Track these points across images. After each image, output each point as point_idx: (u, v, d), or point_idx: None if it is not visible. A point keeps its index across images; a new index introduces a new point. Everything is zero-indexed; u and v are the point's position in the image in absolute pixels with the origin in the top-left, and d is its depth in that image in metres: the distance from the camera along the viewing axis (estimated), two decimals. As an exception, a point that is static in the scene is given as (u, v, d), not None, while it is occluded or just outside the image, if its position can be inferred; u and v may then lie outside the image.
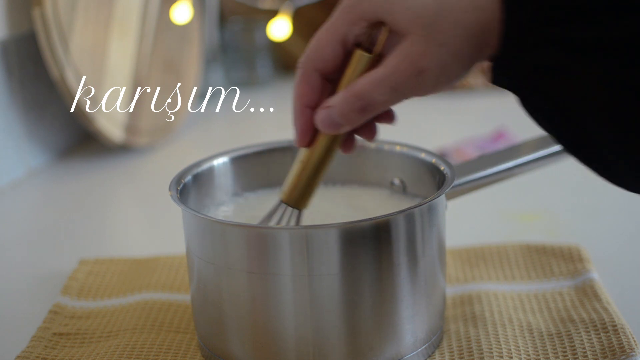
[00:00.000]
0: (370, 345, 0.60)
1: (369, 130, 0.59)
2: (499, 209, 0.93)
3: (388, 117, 0.59)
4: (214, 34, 1.42)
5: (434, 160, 0.68)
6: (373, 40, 0.55)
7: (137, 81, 1.18)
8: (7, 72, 1.04)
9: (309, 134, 0.58)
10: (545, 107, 0.50)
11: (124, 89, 1.15)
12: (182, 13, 1.25)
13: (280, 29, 1.33)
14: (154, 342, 0.67)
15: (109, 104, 1.11)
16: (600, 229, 0.88)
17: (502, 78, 0.51)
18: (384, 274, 0.59)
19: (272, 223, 0.61)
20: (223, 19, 1.51)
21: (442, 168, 0.67)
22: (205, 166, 0.70)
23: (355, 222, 0.58)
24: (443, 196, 0.63)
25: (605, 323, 0.66)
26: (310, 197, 0.60)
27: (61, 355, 0.66)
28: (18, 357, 0.66)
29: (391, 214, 0.59)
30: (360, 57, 0.55)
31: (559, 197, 0.98)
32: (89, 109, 1.07)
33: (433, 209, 0.62)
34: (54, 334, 0.70)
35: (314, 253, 0.57)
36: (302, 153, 0.59)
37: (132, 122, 1.16)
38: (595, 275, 0.74)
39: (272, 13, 1.40)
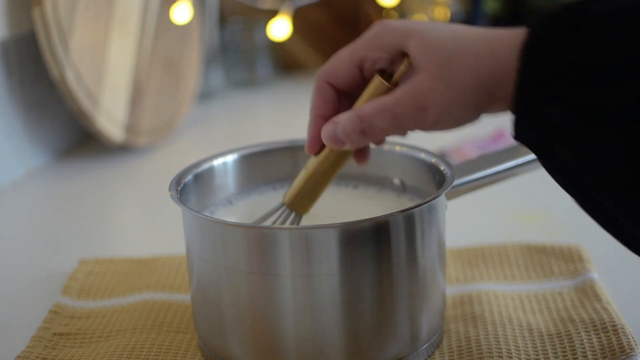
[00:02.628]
0: (371, 345, 0.60)
1: (362, 154, 0.61)
2: (499, 209, 0.93)
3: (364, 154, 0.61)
4: (214, 34, 1.43)
5: (433, 160, 0.68)
6: (394, 69, 0.57)
7: (137, 81, 1.18)
8: (7, 72, 1.04)
9: (319, 143, 0.60)
10: (557, 168, 0.50)
11: (124, 88, 1.15)
12: (182, 13, 1.25)
13: (280, 29, 1.33)
14: (154, 342, 0.67)
15: (109, 104, 1.11)
16: (600, 229, 0.88)
17: (520, 134, 0.51)
18: (384, 274, 0.59)
19: (269, 223, 0.62)
20: (223, 19, 1.51)
21: (442, 168, 0.67)
22: (205, 166, 0.70)
23: (355, 222, 0.58)
24: (443, 196, 0.63)
25: (605, 323, 0.66)
26: (312, 204, 0.63)
27: (61, 355, 0.66)
28: (18, 357, 0.66)
29: (391, 214, 0.59)
30: (377, 83, 0.57)
31: (559, 197, 0.98)
32: (89, 109, 1.07)
33: (433, 209, 0.62)
34: (54, 334, 0.70)
35: (314, 253, 0.57)
36: (311, 161, 0.62)
37: (132, 122, 1.16)
38: (595, 275, 0.74)
39: (272, 13, 1.40)
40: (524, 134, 0.51)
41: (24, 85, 1.07)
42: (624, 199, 0.47)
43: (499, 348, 0.64)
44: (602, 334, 0.65)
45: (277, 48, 1.52)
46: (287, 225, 0.62)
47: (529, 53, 0.49)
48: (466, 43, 0.52)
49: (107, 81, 1.11)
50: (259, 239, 0.58)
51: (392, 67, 0.58)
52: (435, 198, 0.61)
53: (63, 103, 1.13)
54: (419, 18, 1.47)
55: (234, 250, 0.59)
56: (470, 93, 0.52)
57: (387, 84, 0.57)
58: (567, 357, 0.63)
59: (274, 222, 0.63)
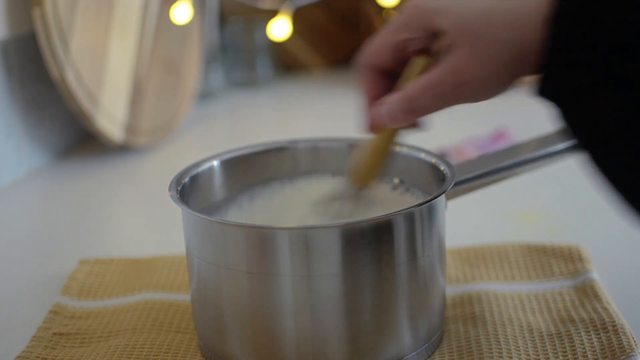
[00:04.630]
0: (371, 345, 0.60)
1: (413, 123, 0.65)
2: (498, 209, 0.93)
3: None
4: (214, 34, 1.43)
5: (433, 160, 0.68)
6: (432, 47, 0.60)
7: (137, 81, 1.18)
8: (7, 72, 1.04)
9: (374, 123, 0.63)
10: (577, 127, 0.52)
11: (124, 88, 1.15)
12: (182, 13, 1.25)
13: (280, 29, 1.33)
14: (154, 342, 0.67)
15: (109, 104, 1.11)
16: (600, 229, 0.88)
17: (544, 93, 0.53)
18: (384, 274, 0.59)
19: (336, 203, 0.66)
20: (223, 19, 1.51)
21: (442, 168, 0.67)
22: (205, 166, 0.70)
23: (355, 222, 0.58)
24: (443, 196, 0.63)
25: (605, 323, 0.66)
26: (375, 177, 0.66)
27: (61, 355, 0.66)
28: (18, 357, 0.66)
29: (391, 214, 0.59)
30: (418, 63, 0.61)
31: (559, 197, 0.98)
32: (89, 109, 1.07)
33: (433, 209, 0.62)
34: (54, 334, 0.70)
35: (314, 253, 0.57)
36: (369, 141, 0.65)
37: (132, 122, 1.15)
38: (595, 275, 0.74)
39: (272, 13, 1.40)
40: (547, 93, 0.53)
41: (24, 85, 1.07)
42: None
43: (499, 348, 0.64)
44: (602, 334, 0.65)
45: (277, 48, 1.52)
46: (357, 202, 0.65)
47: (554, 22, 0.51)
48: (496, 17, 0.55)
49: (107, 81, 1.11)
50: (258, 239, 0.58)
51: (430, 45, 0.60)
52: (435, 198, 0.61)
53: (63, 103, 1.13)
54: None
55: (234, 250, 0.59)
56: (504, 65, 0.55)
57: (427, 62, 0.60)
58: (567, 357, 0.63)
59: (341, 198, 0.65)
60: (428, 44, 0.60)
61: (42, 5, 1.01)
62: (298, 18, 1.46)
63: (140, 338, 0.68)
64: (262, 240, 0.58)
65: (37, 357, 0.66)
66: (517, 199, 0.96)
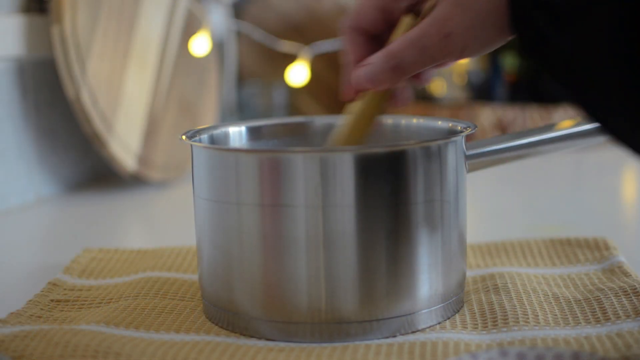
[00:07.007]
0: (385, 290, 0.56)
1: (395, 97, 0.63)
2: (524, 224, 0.90)
3: (420, 79, 0.63)
4: (231, 94, 1.43)
5: (450, 124, 0.66)
6: (421, 8, 0.60)
7: (152, 115, 1.17)
8: (22, 94, 1.03)
9: (354, 88, 0.61)
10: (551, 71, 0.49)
11: (138, 120, 1.14)
12: (200, 45, 1.24)
13: (298, 74, 1.34)
14: (156, 305, 0.64)
15: (123, 131, 1.10)
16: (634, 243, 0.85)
17: (523, 49, 0.51)
18: (399, 210, 0.56)
19: None
20: (241, 79, 1.53)
21: (459, 127, 0.64)
22: (220, 130, 0.69)
23: (370, 147, 0.55)
24: (462, 143, 0.61)
25: (636, 288, 0.62)
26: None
27: (57, 315, 0.63)
28: (12, 313, 0.62)
29: (407, 143, 0.56)
30: (406, 22, 0.59)
31: (592, 215, 0.95)
32: (104, 133, 1.06)
33: (452, 151, 0.59)
34: (52, 300, 0.66)
35: (328, 179, 0.54)
36: (351, 109, 0.62)
37: (146, 154, 1.14)
38: (623, 258, 0.70)
39: (289, 72, 1.41)
40: (523, 48, 0.50)
41: (39, 110, 1.06)
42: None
43: (524, 311, 0.60)
44: (633, 297, 0.61)
45: (293, 109, 1.52)
46: None
47: None
48: None
49: (122, 109, 1.10)
50: (271, 165, 0.55)
51: (419, 6, 0.59)
52: (455, 136, 0.59)
53: (77, 133, 1.12)
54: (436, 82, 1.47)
55: (246, 180, 0.56)
56: (486, 12, 0.54)
57: (414, 21, 0.59)
58: (597, 317, 0.59)
59: None
60: (415, 5, 0.59)
61: (62, 23, 1.01)
62: (313, 80, 1.46)
63: (142, 302, 0.64)
64: (275, 166, 0.55)
65: (31, 315, 0.62)
66: (544, 214, 0.93)
